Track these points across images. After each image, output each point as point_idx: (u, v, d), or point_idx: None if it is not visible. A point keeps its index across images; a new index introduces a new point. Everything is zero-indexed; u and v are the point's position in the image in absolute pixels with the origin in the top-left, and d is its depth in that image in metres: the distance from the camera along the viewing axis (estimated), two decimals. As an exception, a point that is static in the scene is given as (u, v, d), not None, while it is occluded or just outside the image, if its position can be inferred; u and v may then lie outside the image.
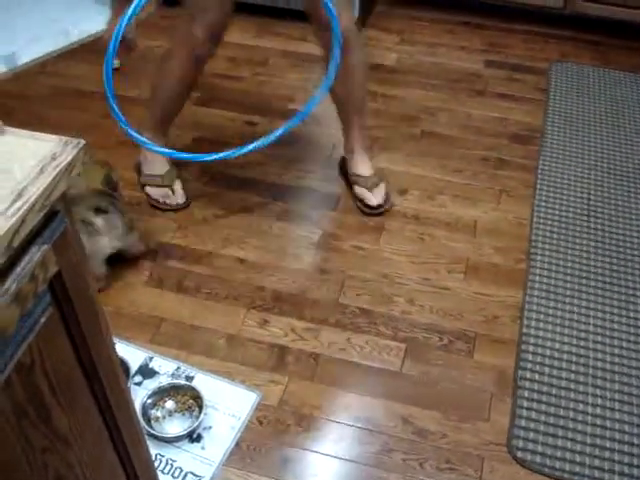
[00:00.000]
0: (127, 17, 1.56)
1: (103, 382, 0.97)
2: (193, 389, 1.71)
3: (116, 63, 2.74)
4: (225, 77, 2.69)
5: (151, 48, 2.87)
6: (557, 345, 1.83)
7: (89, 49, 2.87)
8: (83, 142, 0.85)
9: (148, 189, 2.24)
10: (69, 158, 0.83)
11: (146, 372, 1.78)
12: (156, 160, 2.23)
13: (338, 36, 1.74)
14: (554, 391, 1.73)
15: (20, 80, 2.72)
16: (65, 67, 2.78)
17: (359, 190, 2.19)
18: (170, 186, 2.22)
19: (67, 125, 2.49)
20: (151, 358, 1.81)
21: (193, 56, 2.03)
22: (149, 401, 1.69)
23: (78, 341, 0.89)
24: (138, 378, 1.77)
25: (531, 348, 1.82)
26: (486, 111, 2.58)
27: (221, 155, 1.90)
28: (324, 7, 1.68)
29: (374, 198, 2.16)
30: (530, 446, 1.63)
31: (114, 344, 1.03)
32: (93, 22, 2.98)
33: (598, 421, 1.67)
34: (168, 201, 2.21)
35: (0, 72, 2.74)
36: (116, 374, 1.03)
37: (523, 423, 1.67)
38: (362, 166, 2.20)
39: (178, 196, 2.22)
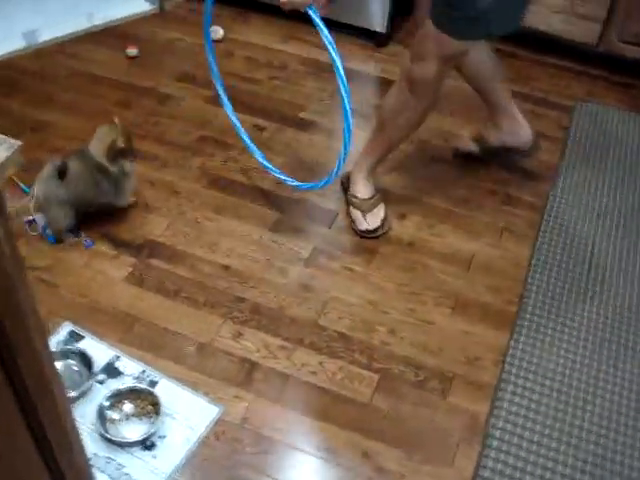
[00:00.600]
0: None
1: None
2: (153, 395, 1.66)
3: (133, 52, 2.72)
4: (241, 78, 2.65)
5: (172, 40, 2.86)
6: (536, 396, 1.75)
7: (110, 34, 2.85)
8: (19, 144, 0.80)
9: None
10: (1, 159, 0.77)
11: (111, 371, 1.74)
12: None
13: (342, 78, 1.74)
14: (525, 444, 1.66)
15: (38, 58, 2.70)
16: (84, 50, 2.75)
17: (354, 212, 2.14)
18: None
19: (75, 109, 2.47)
20: (118, 357, 1.77)
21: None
22: (107, 402, 1.65)
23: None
24: (102, 376, 1.73)
25: (508, 396, 1.75)
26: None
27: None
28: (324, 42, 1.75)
29: (366, 222, 2.11)
30: (490, 500, 1.56)
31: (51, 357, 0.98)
32: (118, 7, 2.96)
33: (566, 483, 1.60)
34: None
35: (19, 48, 2.72)
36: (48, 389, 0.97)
37: (487, 474, 1.60)
38: (364, 189, 2.16)
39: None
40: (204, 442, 1.61)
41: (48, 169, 1.97)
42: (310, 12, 1.78)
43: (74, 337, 1.80)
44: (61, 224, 2.01)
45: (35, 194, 1.99)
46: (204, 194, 2.20)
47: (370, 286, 1.98)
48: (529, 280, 2.03)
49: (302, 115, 2.54)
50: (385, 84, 2.77)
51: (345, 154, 1.85)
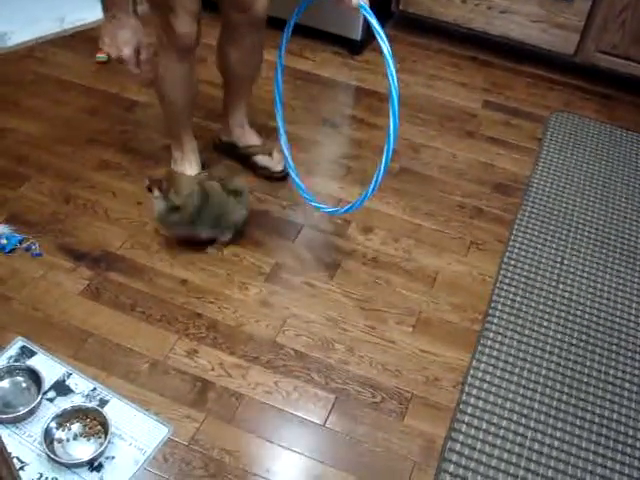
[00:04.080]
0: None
1: None
2: (101, 414, 1.62)
3: (102, 57, 2.68)
4: (212, 84, 2.59)
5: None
6: (495, 419, 1.72)
7: (81, 38, 2.81)
8: None
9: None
10: None
11: (61, 389, 1.70)
12: (183, 162, 2.16)
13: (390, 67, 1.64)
14: (482, 469, 1.62)
15: (5, 62, 2.66)
16: (53, 54, 2.71)
17: (261, 159, 2.25)
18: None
19: (41, 115, 2.43)
20: (69, 374, 1.73)
21: (185, 51, 1.95)
22: (54, 422, 1.60)
23: None
24: (52, 394, 1.69)
25: (467, 419, 1.71)
26: (473, 154, 2.47)
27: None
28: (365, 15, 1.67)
29: (278, 164, 2.25)
30: (442, 528, 1.52)
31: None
32: (90, 11, 2.90)
33: (521, 510, 1.56)
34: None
35: (-12, 51, 2.68)
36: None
37: (441, 501, 1.56)
38: (253, 137, 2.28)
39: None
40: (152, 463, 1.57)
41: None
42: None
43: (26, 353, 1.76)
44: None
45: None
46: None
47: (331, 303, 1.94)
48: (494, 298, 1.99)
49: (273, 123, 2.49)
50: (359, 92, 2.74)
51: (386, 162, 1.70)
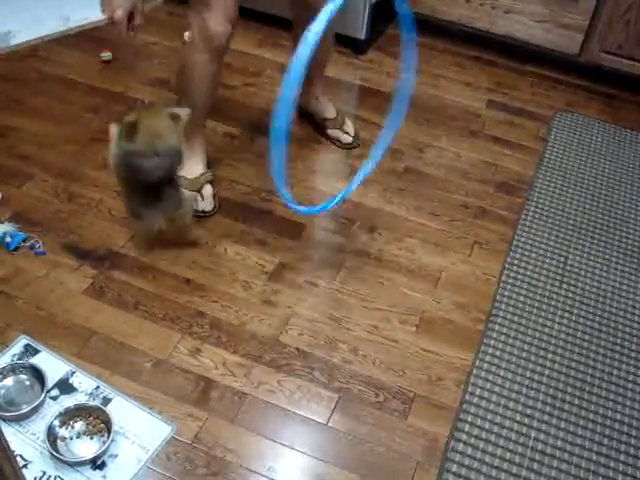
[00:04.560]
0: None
1: None
2: (104, 413, 1.62)
3: (107, 56, 2.68)
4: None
5: (147, 45, 2.82)
6: (498, 419, 1.71)
7: (85, 37, 2.81)
8: None
9: None
10: None
11: (64, 387, 1.70)
12: (190, 161, 2.11)
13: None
14: (485, 469, 1.62)
15: (10, 61, 2.66)
16: (57, 53, 2.71)
17: (332, 132, 2.43)
18: (199, 190, 2.12)
19: (45, 114, 2.43)
20: (73, 373, 1.73)
21: (216, 51, 1.96)
22: (57, 420, 1.61)
23: None
24: (55, 392, 1.69)
25: (470, 418, 1.71)
26: (477, 154, 2.46)
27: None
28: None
29: (348, 135, 2.43)
30: (445, 528, 1.52)
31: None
32: (95, 10, 2.88)
33: (524, 510, 1.56)
34: (199, 205, 2.11)
35: (-8, 50, 2.68)
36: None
37: (444, 500, 1.56)
38: (329, 110, 2.44)
39: (207, 202, 2.13)
40: (155, 462, 1.57)
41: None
42: None
43: (29, 351, 1.76)
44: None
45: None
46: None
47: (334, 302, 1.94)
48: (498, 297, 1.99)
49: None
50: (363, 91, 2.74)
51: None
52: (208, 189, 2.14)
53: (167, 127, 1.75)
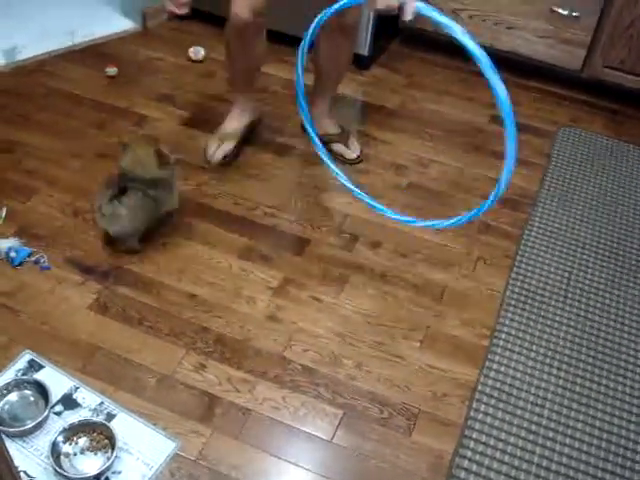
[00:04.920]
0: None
1: None
2: (108, 429, 1.62)
3: (112, 71, 2.70)
4: (220, 100, 2.61)
5: (152, 60, 2.83)
6: (503, 435, 1.71)
7: (91, 53, 2.82)
8: None
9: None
10: None
11: (68, 403, 1.70)
12: (233, 118, 2.38)
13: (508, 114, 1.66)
14: (490, 486, 1.61)
15: (16, 76, 2.67)
16: (63, 68, 2.73)
17: (337, 146, 2.43)
18: (222, 140, 2.35)
19: (51, 129, 2.45)
20: (77, 388, 1.73)
21: (237, 29, 2.10)
22: (62, 436, 1.61)
23: None
24: (59, 407, 1.69)
25: (475, 435, 1.70)
26: (480, 169, 2.47)
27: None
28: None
29: (352, 152, 2.45)
30: None
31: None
32: (100, 26, 2.93)
33: (529, 528, 1.55)
34: (208, 151, 2.35)
35: (-2, 65, 2.70)
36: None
37: (449, 518, 1.55)
38: (332, 126, 2.45)
39: (219, 152, 2.34)
40: (159, 478, 1.57)
41: (106, 204, 1.97)
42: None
43: (34, 366, 1.76)
44: (136, 244, 2.05)
45: (109, 230, 2.03)
46: (175, 219, 2.16)
47: (338, 317, 1.94)
48: (502, 313, 1.99)
49: (280, 140, 2.50)
50: (367, 107, 2.75)
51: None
52: (225, 147, 2.35)
53: (149, 159, 1.96)
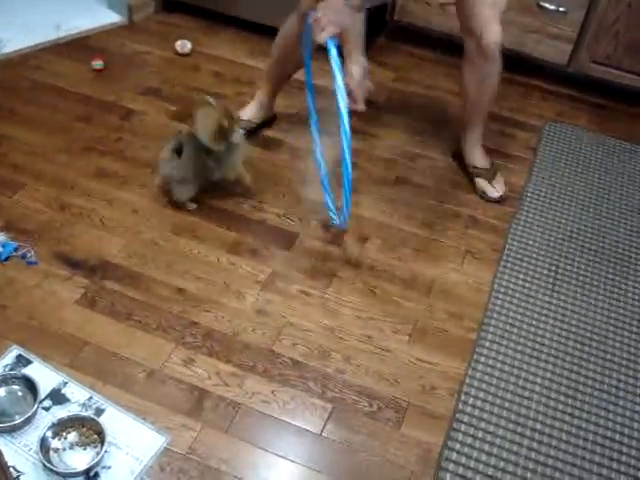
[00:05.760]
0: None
1: None
2: (97, 423, 1.61)
3: (99, 65, 2.68)
4: (206, 93, 2.59)
5: (139, 54, 2.82)
6: (492, 428, 1.72)
7: (77, 46, 2.80)
8: None
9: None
10: None
11: (57, 397, 1.69)
12: (251, 109, 2.44)
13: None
14: (478, 478, 1.62)
15: (1, 69, 2.66)
16: (49, 62, 2.71)
17: (481, 182, 2.35)
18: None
19: (37, 122, 2.43)
20: (65, 383, 1.72)
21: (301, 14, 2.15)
22: (51, 431, 1.60)
23: None
24: (48, 402, 1.68)
25: (463, 427, 1.71)
26: (468, 164, 2.48)
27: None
28: None
29: (495, 191, 2.34)
30: (439, 537, 1.52)
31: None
32: (86, 19, 2.92)
33: (518, 519, 1.56)
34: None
35: (-18, 59, 2.68)
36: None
37: (438, 510, 1.56)
38: (481, 159, 2.37)
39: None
40: (149, 473, 1.57)
41: (166, 151, 2.09)
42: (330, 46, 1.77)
43: (22, 362, 1.75)
44: (184, 197, 2.16)
45: (160, 174, 2.16)
46: (163, 213, 2.16)
47: (327, 311, 1.94)
48: (489, 307, 2.00)
49: (268, 133, 2.50)
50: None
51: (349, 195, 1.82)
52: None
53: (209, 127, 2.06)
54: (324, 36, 1.78)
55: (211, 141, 2.06)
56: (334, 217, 2.08)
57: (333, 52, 1.75)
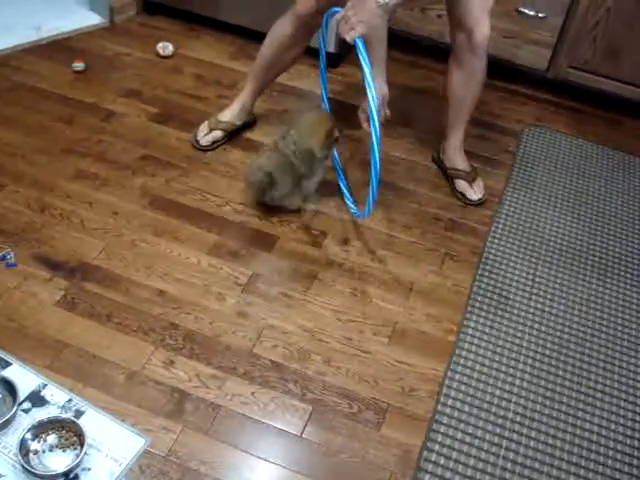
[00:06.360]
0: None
1: None
2: (77, 425, 1.61)
3: (79, 66, 2.67)
4: (188, 95, 2.61)
5: (120, 56, 2.81)
6: (470, 429, 1.74)
7: (57, 47, 2.79)
8: None
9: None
10: None
11: (36, 400, 1.68)
12: (232, 111, 2.43)
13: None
14: (457, 479, 1.63)
15: (-20, 70, 2.64)
16: (29, 63, 2.69)
17: (461, 184, 2.36)
18: (214, 128, 2.39)
19: (17, 124, 2.42)
20: (45, 385, 1.71)
21: (294, 17, 2.20)
22: (30, 433, 1.59)
23: None
24: (27, 405, 1.67)
25: (442, 429, 1.73)
26: (448, 167, 2.50)
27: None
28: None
29: (475, 193, 2.35)
30: (418, 538, 1.53)
31: None
32: (67, 20, 2.91)
33: (496, 519, 1.58)
34: (199, 133, 2.40)
35: (-38, 60, 2.66)
36: None
37: (417, 510, 1.57)
38: (462, 162, 2.38)
39: (209, 137, 2.39)
40: (129, 475, 1.57)
41: (254, 191, 2.19)
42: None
43: (0, 364, 1.74)
44: (296, 205, 2.22)
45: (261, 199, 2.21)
46: (143, 215, 2.15)
47: (308, 313, 1.95)
48: (469, 309, 2.02)
49: (248, 135, 2.51)
50: (334, 104, 2.75)
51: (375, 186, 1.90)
52: (216, 134, 2.41)
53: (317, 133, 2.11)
54: (353, 35, 1.81)
55: (321, 147, 2.09)
56: (353, 208, 2.18)
57: (362, 50, 1.79)
